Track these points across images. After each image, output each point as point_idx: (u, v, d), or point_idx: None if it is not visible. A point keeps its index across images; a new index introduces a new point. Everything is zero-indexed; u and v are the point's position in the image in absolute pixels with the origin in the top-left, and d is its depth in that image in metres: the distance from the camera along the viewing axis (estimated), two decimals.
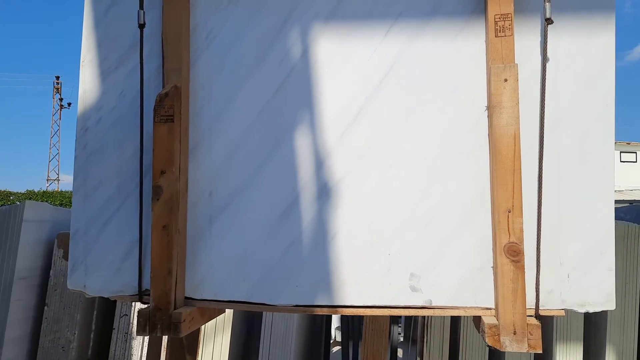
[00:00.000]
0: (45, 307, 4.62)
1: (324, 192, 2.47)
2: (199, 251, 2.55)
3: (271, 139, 2.52)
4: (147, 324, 2.39)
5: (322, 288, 2.46)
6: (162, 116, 2.47)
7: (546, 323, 4.12)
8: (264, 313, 4.55)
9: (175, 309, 2.42)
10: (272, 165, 2.51)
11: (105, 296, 2.61)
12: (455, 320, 4.40)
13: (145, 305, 2.49)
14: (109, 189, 2.63)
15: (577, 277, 2.30)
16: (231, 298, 2.52)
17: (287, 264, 2.48)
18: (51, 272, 4.67)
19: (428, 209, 2.40)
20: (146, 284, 2.54)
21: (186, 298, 2.55)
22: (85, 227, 2.63)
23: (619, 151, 35.08)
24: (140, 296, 2.54)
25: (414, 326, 5.15)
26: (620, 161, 34.89)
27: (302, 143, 2.50)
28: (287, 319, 4.58)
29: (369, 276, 2.43)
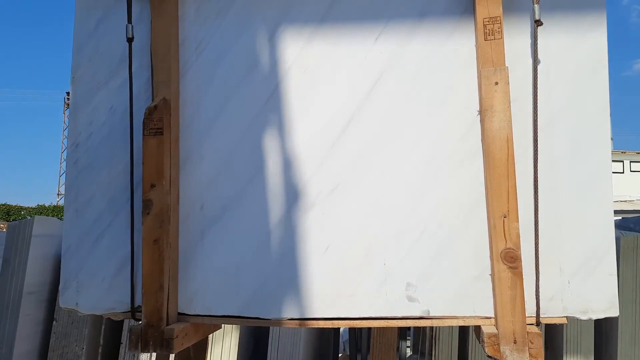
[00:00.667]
0: (54, 322, 4.61)
1: (316, 203, 2.43)
2: (191, 265, 2.51)
3: (262, 149, 2.49)
4: (139, 341, 2.35)
5: (316, 300, 2.41)
6: (151, 129, 2.44)
7: (556, 335, 4.04)
8: (271, 327, 4.50)
9: (167, 325, 2.39)
10: (264, 176, 2.48)
11: (98, 314, 2.58)
12: (463, 332, 4.32)
13: (138, 322, 2.45)
14: (101, 205, 2.60)
15: (578, 283, 2.24)
16: (225, 313, 2.48)
17: (281, 277, 2.44)
18: (60, 286, 4.65)
19: (422, 217, 2.35)
20: (139, 301, 2.50)
21: (179, 314, 2.51)
22: (77, 243, 2.61)
23: (628, 161, 34.49)
24: (133, 313, 2.50)
25: (422, 339, 5.07)
26: (630, 171, 34.30)
27: (293, 153, 2.46)
28: (294, 332, 4.52)
29: (364, 287, 2.38)
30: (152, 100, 2.50)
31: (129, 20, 2.59)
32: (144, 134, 2.45)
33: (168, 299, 2.40)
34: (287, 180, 2.46)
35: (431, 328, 4.27)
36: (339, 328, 5.79)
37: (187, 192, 2.54)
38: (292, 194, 2.45)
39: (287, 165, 2.47)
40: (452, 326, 3.68)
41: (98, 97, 2.66)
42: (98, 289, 2.57)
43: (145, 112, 2.46)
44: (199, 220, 2.52)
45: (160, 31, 2.54)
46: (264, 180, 2.48)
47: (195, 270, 2.50)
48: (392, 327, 3.87)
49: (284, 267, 2.44)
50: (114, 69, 2.65)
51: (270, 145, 2.49)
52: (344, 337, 6.43)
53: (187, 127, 2.57)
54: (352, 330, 5.79)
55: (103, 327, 4.75)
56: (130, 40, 2.58)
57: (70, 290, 2.59)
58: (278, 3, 2.53)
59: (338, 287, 2.39)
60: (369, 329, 4.99)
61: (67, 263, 2.61)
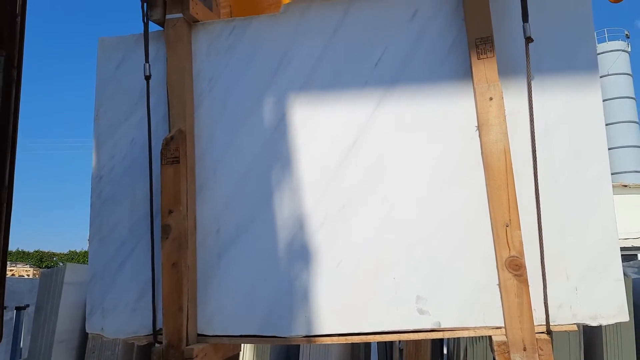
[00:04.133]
0: None
1: (327, 221, 2.53)
2: (210, 287, 2.62)
3: (273, 173, 2.62)
4: None
5: (330, 316, 2.48)
6: (168, 158, 2.60)
7: (595, 334, 3.97)
8: (301, 344, 4.52)
9: (187, 345, 2.48)
10: (275, 199, 2.60)
11: (122, 337, 2.69)
12: None
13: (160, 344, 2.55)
14: (123, 233, 2.75)
15: (586, 289, 2.27)
16: (242, 332, 2.56)
17: (295, 295, 2.52)
18: (89, 335, 4.76)
19: (428, 230, 2.42)
20: (160, 324, 2.61)
21: (199, 335, 2.60)
22: (101, 271, 2.75)
23: None
24: (155, 336, 2.60)
25: (456, 352, 5.03)
26: None
27: (301, 174, 2.58)
28: (325, 350, 4.54)
29: (376, 301, 2.45)
30: (169, 131, 2.67)
31: (147, 60, 2.78)
32: (161, 164, 2.61)
33: (187, 320, 2.50)
34: (298, 200, 2.58)
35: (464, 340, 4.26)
36: (370, 343, 5.77)
37: (203, 217, 2.67)
38: (303, 214, 2.56)
39: (297, 186, 2.58)
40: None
41: (119, 132, 2.84)
42: (122, 313, 2.68)
43: (162, 143, 2.62)
44: (215, 243, 2.64)
45: (175, 68, 2.73)
46: (275, 202, 2.60)
47: (213, 292, 2.61)
48: (426, 342, 3.87)
49: (297, 284, 2.52)
50: (134, 104, 2.84)
51: (280, 169, 2.61)
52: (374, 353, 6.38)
53: (202, 155, 2.72)
54: (381, 345, 5.77)
55: None
56: (147, 78, 2.78)
57: (95, 316, 2.72)
58: (283, 37, 2.70)
59: (350, 303, 2.46)
60: (401, 345, 4.98)
61: (93, 290, 2.74)
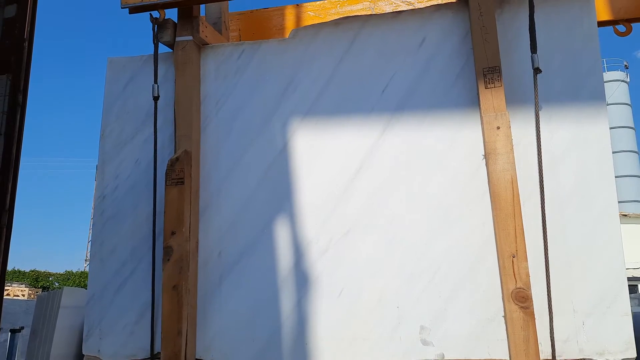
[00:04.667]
0: None
1: (330, 247, 2.50)
2: (210, 311, 2.58)
3: (276, 197, 2.60)
4: None
5: (331, 345, 2.43)
6: (173, 179, 2.59)
7: None
8: None
9: None
10: (278, 223, 2.57)
11: None
12: None
13: None
14: (124, 253, 2.72)
15: (593, 324, 2.23)
16: (242, 359, 2.51)
17: (296, 322, 2.48)
18: (85, 357, 4.67)
19: (433, 259, 2.39)
20: (159, 347, 2.56)
21: None
22: (100, 291, 2.71)
23: None
24: (153, 359, 2.55)
25: None
26: None
27: (306, 200, 2.57)
28: None
29: (379, 331, 2.40)
30: (175, 152, 2.67)
31: (155, 81, 2.80)
32: (166, 184, 2.59)
33: (186, 344, 2.45)
34: (301, 226, 2.55)
35: None
36: None
37: (205, 240, 2.64)
38: (306, 240, 2.53)
39: (300, 211, 2.56)
40: None
41: (124, 152, 2.84)
42: (120, 336, 2.64)
43: (167, 164, 2.61)
44: (216, 267, 2.61)
45: (183, 89, 2.74)
46: (278, 227, 2.58)
47: (212, 316, 2.56)
48: None
49: (299, 311, 2.48)
50: (140, 124, 2.84)
51: (284, 193, 2.60)
52: None
53: (206, 177, 2.71)
54: None
55: None
56: (156, 99, 2.79)
57: (93, 337, 2.67)
58: (291, 62, 2.71)
59: (352, 331, 2.41)
60: None
61: (91, 311, 2.70)
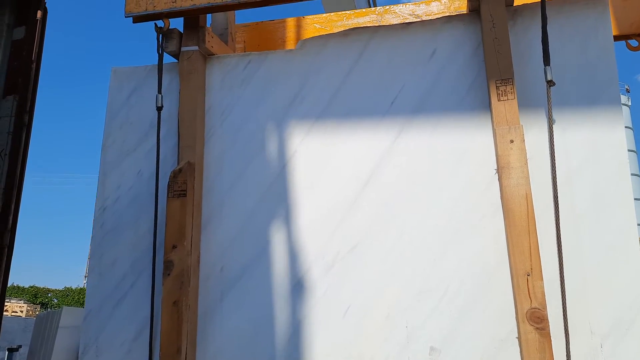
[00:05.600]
0: None
1: (335, 263, 2.42)
2: (210, 329, 2.48)
3: (281, 211, 2.52)
4: None
5: None
6: (175, 191, 2.52)
7: None
8: None
9: None
10: (282, 238, 2.49)
11: None
12: None
13: None
14: (124, 267, 2.63)
15: (612, 346, 2.12)
16: None
17: (300, 340, 2.38)
18: (79, 351, 4.58)
19: (443, 276, 2.30)
20: None
21: None
22: (98, 307, 2.62)
23: None
24: None
25: None
26: None
27: (311, 214, 2.49)
28: None
29: (386, 350, 2.30)
30: (178, 163, 2.60)
31: (159, 91, 2.74)
32: (168, 196, 2.52)
33: None
34: (305, 241, 2.47)
35: None
36: None
37: (207, 254, 2.56)
38: (310, 255, 2.45)
39: (305, 225, 2.48)
40: None
41: (126, 163, 2.77)
42: (117, 353, 2.54)
43: (170, 175, 2.54)
44: (218, 282, 2.52)
45: (187, 99, 2.69)
46: (282, 241, 2.49)
47: (213, 334, 2.47)
48: None
49: (303, 329, 2.38)
50: (143, 135, 2.78)
51: (289, 207, 2.52)
52: None
53: (209, 189, 2.64)
54: None
55: None
56: (159, 109, 2.73)
57: (89, 354, 2.57)
58: (298, 73, 2.66)
59: (359, 350, 2.32)
60: None
61: (88, 327, 2.61)
